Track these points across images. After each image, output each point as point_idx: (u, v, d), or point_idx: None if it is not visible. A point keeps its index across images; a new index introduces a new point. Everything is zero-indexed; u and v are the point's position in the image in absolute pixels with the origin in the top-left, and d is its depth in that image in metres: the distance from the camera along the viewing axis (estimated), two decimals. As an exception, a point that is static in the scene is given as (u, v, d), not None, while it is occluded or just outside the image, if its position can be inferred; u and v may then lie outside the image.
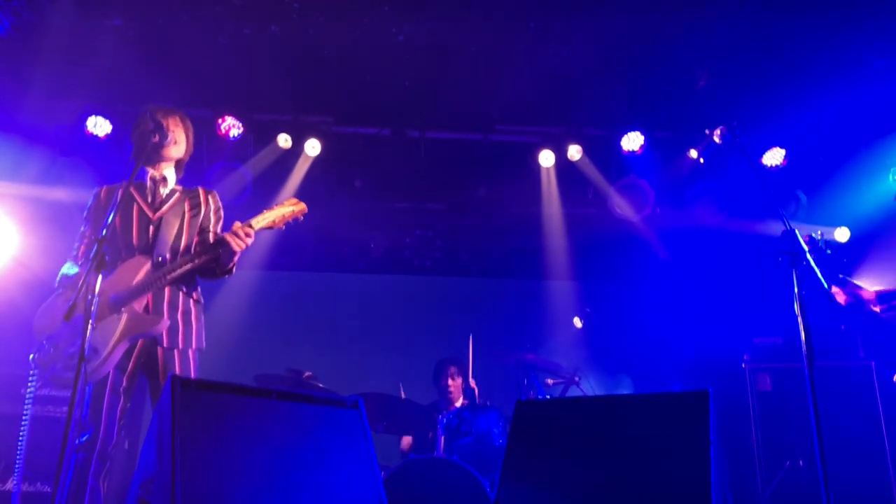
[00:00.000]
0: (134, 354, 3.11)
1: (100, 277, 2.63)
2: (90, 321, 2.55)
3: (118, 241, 3.17)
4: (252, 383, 4.26)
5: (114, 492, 3.02)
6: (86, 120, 5.33)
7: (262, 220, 3.18)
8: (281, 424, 2.35)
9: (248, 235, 3.11)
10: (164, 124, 3.23)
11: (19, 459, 2.89)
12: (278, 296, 6.61)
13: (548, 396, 5.01)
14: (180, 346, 3.15)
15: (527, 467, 2.56)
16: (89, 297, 2.59)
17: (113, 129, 5.37)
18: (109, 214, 2.87)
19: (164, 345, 3.12)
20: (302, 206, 3.20)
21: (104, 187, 3.32)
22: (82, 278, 2.67)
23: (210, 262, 3.21)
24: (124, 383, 3.08)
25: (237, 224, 3.13)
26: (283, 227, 3.22)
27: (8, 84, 5.14)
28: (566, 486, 2.46)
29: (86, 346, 2.53)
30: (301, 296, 6.83)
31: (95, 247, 2.67)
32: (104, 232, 2.76)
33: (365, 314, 6.87)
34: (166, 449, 2.05)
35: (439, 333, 6.68)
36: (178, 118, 3.34)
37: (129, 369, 3.09)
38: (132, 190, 3.27)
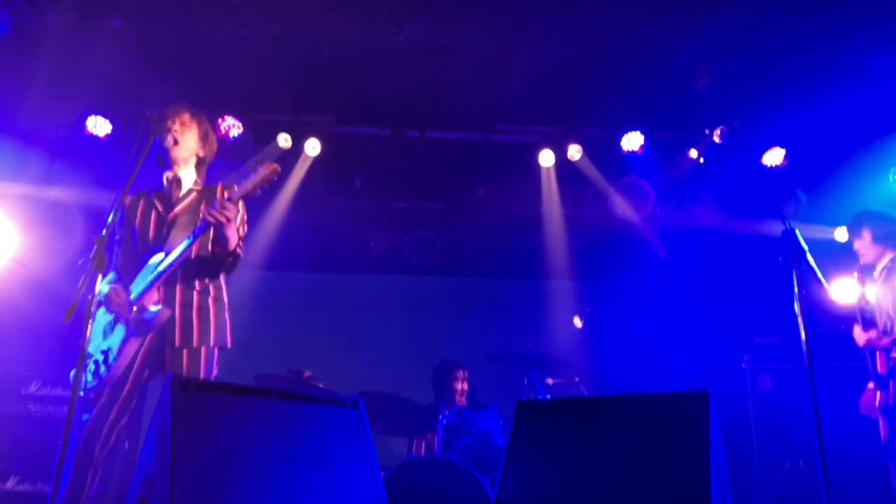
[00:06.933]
0: (142, 352, 3.06)
1: (100, 277, 2.63)
2: (90, 321, 2.55)
3: (140, 247, 3.17)
4: (252, 383, 4.26)
5: (112, 491, 3.01)
6: (86, 120, 5.32)
7: (240, 191, 3.08)
8: (281, 424, 2.35)
9: (225, 208, 2.98)
10: (165, 126, 3.21)
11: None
12: (278, 296, 6.59)
13: (548, 396, 5.00)
14: (194, 344, 3.09)
15: (527, 467, 2.56)
16: (89, 297, 2.58)
17: (113, 129, 5.36)
18: (110, 214, 2.86)
19: (176, 344, 3.07)
20: (275, 166, 3.09)
21: (129, 197, 3.26)
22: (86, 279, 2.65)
23: (211, 247, 3.14)
24: (129, 384, 3.03)
25: (217, 200, 3.05)
26: (259, 193, 3.10)
27: (8, 84, 5.14)
28: (566, 487, 2.46)
29: (91, 345, 2.53)
30: (301, 296, 6.82)
31: (95, 246, 2.67)
32: (104, 232, 2.75)
33: (365, 314, 6.86)
34: (166, 449, 2.05)
35: (439, 333, 6.68)
36: (186, 117, 3.29)
37: (135, 368, 3.05)
38: (154, 196, 3.27)
